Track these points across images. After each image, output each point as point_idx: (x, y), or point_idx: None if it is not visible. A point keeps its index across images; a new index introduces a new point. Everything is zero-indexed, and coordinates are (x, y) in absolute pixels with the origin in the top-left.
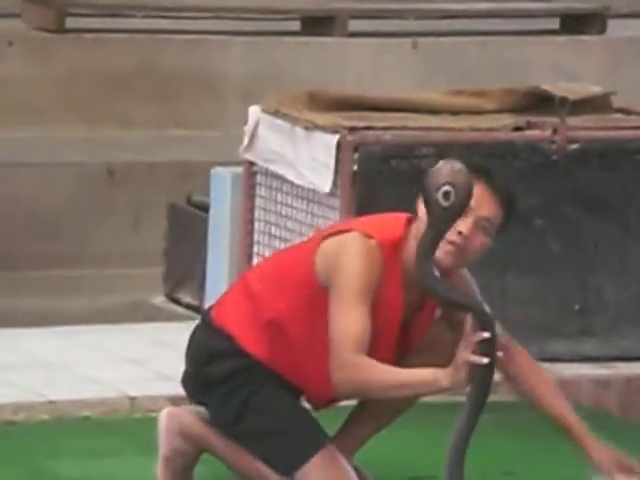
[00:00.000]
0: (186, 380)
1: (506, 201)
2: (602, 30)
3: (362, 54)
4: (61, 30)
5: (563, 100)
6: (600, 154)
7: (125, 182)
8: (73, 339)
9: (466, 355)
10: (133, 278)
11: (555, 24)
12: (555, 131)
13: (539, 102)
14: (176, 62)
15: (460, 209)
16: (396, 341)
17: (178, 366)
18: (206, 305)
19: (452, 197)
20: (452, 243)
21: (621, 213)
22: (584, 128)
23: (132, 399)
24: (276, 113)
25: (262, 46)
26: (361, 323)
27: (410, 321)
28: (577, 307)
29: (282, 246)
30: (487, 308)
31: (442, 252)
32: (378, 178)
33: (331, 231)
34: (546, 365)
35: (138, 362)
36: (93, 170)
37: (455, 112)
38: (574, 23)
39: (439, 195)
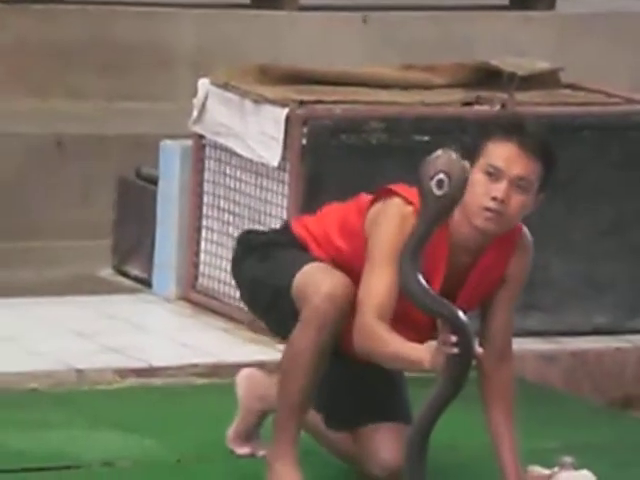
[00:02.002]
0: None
1: (542, 155)
2: (551, 6)
3: (312, 28)
4: (9, 0)
5: (512, 75)
6: (548, 130)
7: (74, 154)
8: (20, 311)
9: (441, 345)
10: (81, 250)
11: (505, 0)
12: (504, 106)
13: (488, 77)
14: (127, 34)
15: (454, 199)
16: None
17: (125, 338)
18: (154, 278)
19: (446, 186)
20: (488, 209)
21: (568, 189)
22: (532, 104)
23: (79, 372)
24: (226, 86)
25: (213, 19)
26: (386, 286)
27: (450, 295)
28: None
29: (231, 219)
30: (462, 315)
31: (482, 220)
32: (327, 152)
33: (377, 196)
34: (525, 340)
35: (85, 335)
36: (42, 142)
37: (405, 87)
38: None
39: (433, 184)
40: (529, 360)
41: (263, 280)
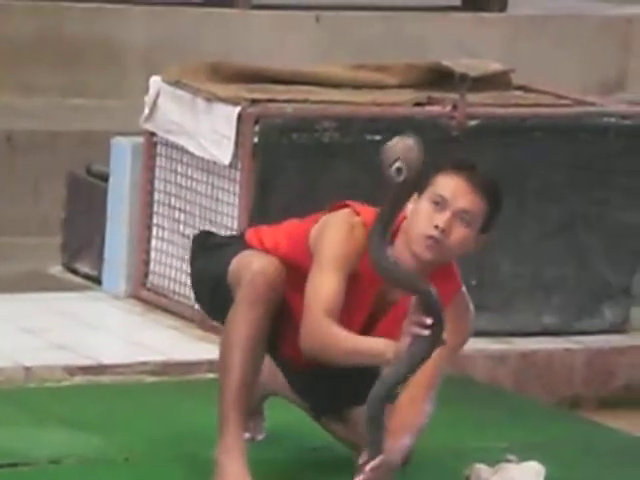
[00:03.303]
0: None
1: (488, 194)
2: (503, 7)
3: (265, 27)
4: None
5: (463, 76)
6: (499, 131)
7: (25, 150)
8: None
9: (409, 327)
10: (30, 247)
11: (457, 0)
12: (455, 107)
13: (440, 78)
14: (78, 30)
15: (413, 184)
16: (363, 324)
17: (74, 336)
18: (104, 275)
19: (404, 172)
20: (430, 237)
21: (517, 190)
22: (483, 105)
23: (27, 369)
24: (177, 84)
25: (164, 15)
26: (334, 287)
27: (378, 314)
28: (474, 282)
29: (182, 217)
30: (434, 292)
31: (421, 247)
32: (279, 151)
33: (332, 207)
34: (474, 339)
35: (34, 332)
36: None
37: (357, 86)
38: (476, 0)
39: (392, 171)
40: (479, 360)
41: (206, 271)
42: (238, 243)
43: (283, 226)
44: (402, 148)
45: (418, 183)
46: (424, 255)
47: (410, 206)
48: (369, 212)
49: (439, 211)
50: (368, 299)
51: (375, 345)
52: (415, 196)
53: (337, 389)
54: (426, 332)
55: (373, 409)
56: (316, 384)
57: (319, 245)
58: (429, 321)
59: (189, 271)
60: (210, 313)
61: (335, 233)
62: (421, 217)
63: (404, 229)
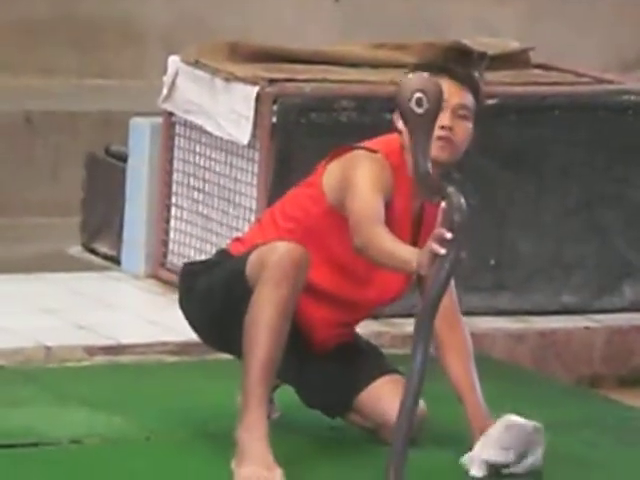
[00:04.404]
0: None
1: (471, 86)
2: None
3: (284, 7)
4: None
5: (482, 55)
6: (517, 109)
7: (44, 131)
8: None
9: (430, 243)
10: (50, 228)
11: None
12: None
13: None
14: (97, 10)
15: (435, 113)
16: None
17: (93, 316)
18: (123, 256)
19: (424, 103)
20: (441, 138)
21: (537, 169)
22: (502, 83)
23: (47, 349)
24: (196, 64)
25: None
26: (378, 205)
27: (417, 233)
28: (492, 261)
29: (200, 197)
30: (460, 199)
31: (436, 150)
32: (297, 130)
33: (333, 155)
34: (464, 318)
35: (54, 312)
36: (11, 118)
37: (375, 65)
38: None
39: (412, 104)
40: (498, 339)
41: (213, 283)
42: (229, 256)
43: (266, 217)
44: (419, 80)
45: (438, 111)
46: (441, 156)
47: (399, 122)
48: (380, 145)
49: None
50: (406, 224)
51: (404, 252)
52: None
53: (343, 375)
54: (442, 251)
55: (421, 329)
56: (315, 372)
57: (350, 185)
58: (448, 236)
59: (183, 307)
60: (222, 335)
61: (363, 170)
62: None
63: (407, 146)
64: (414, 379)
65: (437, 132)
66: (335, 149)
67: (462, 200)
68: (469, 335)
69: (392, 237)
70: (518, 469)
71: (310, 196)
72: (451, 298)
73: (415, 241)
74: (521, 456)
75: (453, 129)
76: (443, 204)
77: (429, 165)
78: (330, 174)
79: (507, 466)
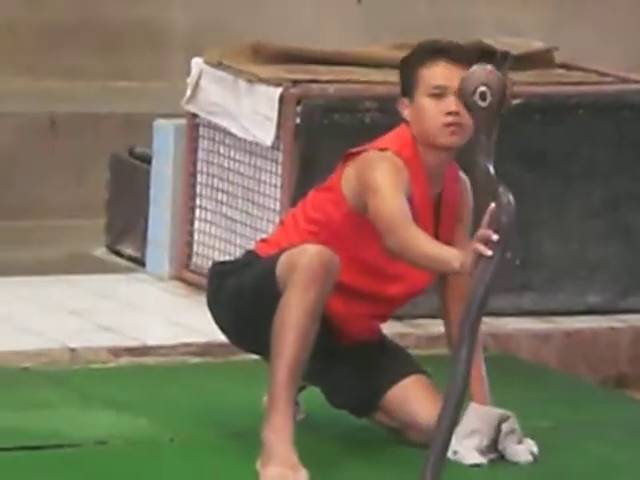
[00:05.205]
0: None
1: (470, 62)
2: None
3: (306, 8)
4: None
5: (505, 55)
6: (542, 109)
7: (68, 133)
8: (14, 290)
9: (474, 243)
10: (75, 229)
11: None
12: None
13: (482, 56)
14: (120, 13)
15: (498, 106)
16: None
17: (118, 317)
18: (147, 257)
19: (488, 96)
20: (450, 125)
21: (562, 169)
22: (526, 83)
23: (72, 350)
24: (219, 65)
25: None
26: (404, 205)
27: (437, 220)
28: (518, 262)
29: (224, 199)
30: (511, 204)
31: (447, 136)
32: (321, 131)
33: (346, 159)
34: (487, 319)
35: (79, 313)
36: (36, 121)
37: (396, 66)
38: None
39: (476, 97)
40: (523, 340)
41: (245, 282)
42: (258, 257)
43: (289, 219)
44: (483, 73)
45: (502, 104)
46: (453, 142)
47: (406, 112)
48: (388, 143)
49: (443, 99)
50: (428, 214)
51: (444, 254)
52: (405, 101)
53: (359, 379)
54: (489, 252)
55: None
56: (342, 371)
57: (369, 187)
58: (494, 237)
59: (213, 306)
60: (250, 335)
61: (378, 171)
62: (430, 113)
63: (417, 133)
64: (458, 381)
65: (445, 119)
66: (347, 152)
67: (511, 201)
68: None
69: (428, 237)
70: (510, 455)
71: (331, 199)
72: (464, 276)
73: (436, 228)
74: (494, 441)
75: (460, 113)
76: (492, 204)
77: (490, 163)
78: (347, 179)
79: (486, 451)
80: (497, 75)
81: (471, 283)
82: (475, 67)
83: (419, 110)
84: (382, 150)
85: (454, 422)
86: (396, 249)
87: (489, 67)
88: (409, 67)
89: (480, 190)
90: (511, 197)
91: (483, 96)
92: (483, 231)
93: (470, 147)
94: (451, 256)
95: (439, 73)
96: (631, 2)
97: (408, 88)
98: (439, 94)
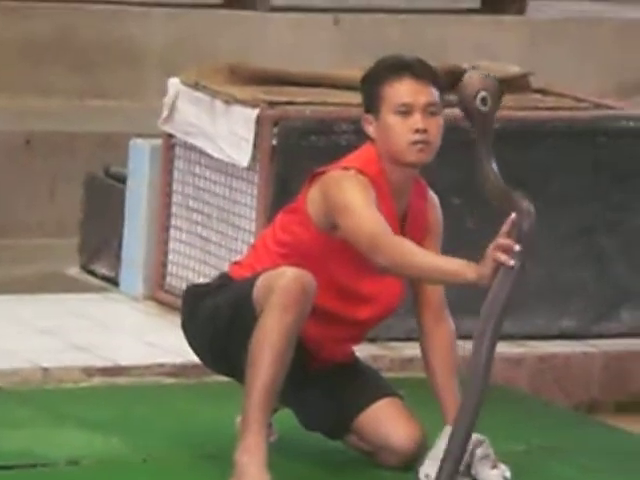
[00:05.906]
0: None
1: (433, 79)
2: (522, 10)
3: (283, 29)
4: None
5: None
6: (518, 134)
7: (43, 151)
8: None
9: (494, 253)
10: (48, 249)
11: (476, 3)
12: None
13: (458, 81)
14: (97, 32)
15: (494, 112)
16: None
17: (92, 337)
18: (121, 277)
19: (489, 101)
20: (416, 142)
21: (536, 194)
22: (502, 108)
23: (45, 370)
24: (196, 86)
25: (182, 17)
26: (382, 220)
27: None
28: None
29: (200, 219)
30: (532, 212)
31: (414, 154)
32: (297, 153)
33: (310, 181)
34: (459, 342)
35: (51, 333)
36: (11, 139)
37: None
38: (494, 3)
39: (477, 102)
40: (496, 363)
41: (222, 303)
42: (232, 280)
43: (259, 241)
44: (481, 79)
45: (497, 111)
46: (421, 159)
47: (370, 129)
48: (351, 162)
49: (409, 116)
50: (394, 230)
51: (451, 265)
52: (370, 118)
53: (332, 402)
54: (511, 262)
55: (486, 344)
56: (315, 394)
57: (338, 207)
58: (517, 247)
59: (187, 328)
60: (224, 358)
61: (345, 190)
62: (397, 130)
63: (382, 151)
64: (473, 400)
65: (413, 136)
66: (313, 173)
67: (531, 208)
68: (454, 331)
69: (422, 250)
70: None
71: (297, 221)
72: (439, 292)
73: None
74: (468, 466)
75: (427, 130)
76: (512, 215)
77: (496, 170)
78: (312, 200)
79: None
80: (493, 80)
81: (489, 294)
82: (470, 73)
83: (385, 128)
84: (345, 169)
85: (469, 437)
86: (387, 265)
87: (486, 73)
88: (372, 84)
89: (492, 199)
90: (530, 204)
91: (484, 101)
92: (503, 240)
93: (471, 155)
94: (462, 267)
95: (404, 90)
96: (608, 23)
97: (372, 105)
98: (405, 111)
